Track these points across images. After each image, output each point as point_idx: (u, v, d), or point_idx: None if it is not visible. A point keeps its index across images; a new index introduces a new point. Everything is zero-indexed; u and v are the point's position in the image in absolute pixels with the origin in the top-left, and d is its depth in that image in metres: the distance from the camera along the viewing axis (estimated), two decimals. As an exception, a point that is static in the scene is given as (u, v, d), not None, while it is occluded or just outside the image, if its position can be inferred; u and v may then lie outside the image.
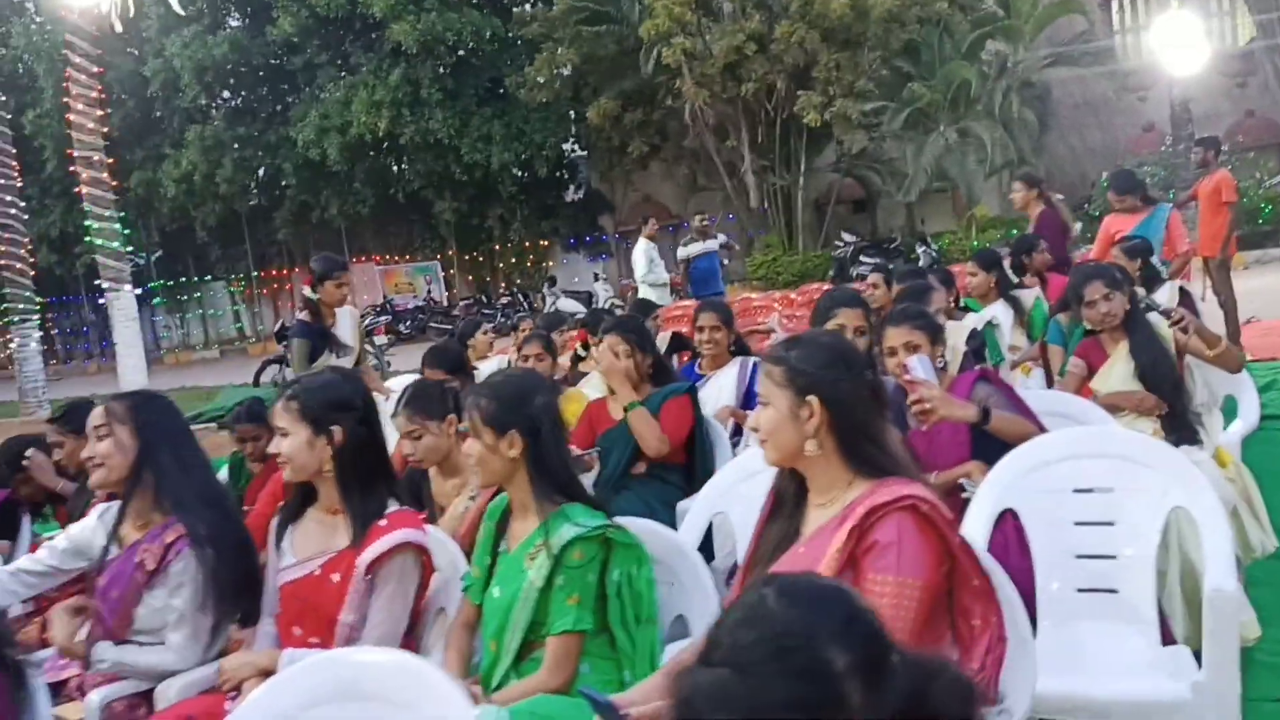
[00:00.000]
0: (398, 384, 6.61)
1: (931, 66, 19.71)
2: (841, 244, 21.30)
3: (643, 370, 3.97)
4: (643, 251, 12.20)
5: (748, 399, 4.51)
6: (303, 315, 6.17)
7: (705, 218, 12.52)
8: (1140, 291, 4.53)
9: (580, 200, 26.94)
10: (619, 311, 11.48)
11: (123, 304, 11.38)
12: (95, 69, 11.11)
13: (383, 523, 2.54)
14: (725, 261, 12.96)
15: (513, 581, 2.39)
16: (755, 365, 4.69)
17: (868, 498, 2.00)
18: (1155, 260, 6.18)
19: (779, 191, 22.26)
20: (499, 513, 2.53)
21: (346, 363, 6.09)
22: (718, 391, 4.66)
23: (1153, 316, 4.21)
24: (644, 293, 12.16)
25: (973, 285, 6.18)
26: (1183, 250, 6.89)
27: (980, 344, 4.92)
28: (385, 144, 23.29)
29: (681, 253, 12.89)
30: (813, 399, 2.05)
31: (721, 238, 12.82)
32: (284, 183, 25.50)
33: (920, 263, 19.41)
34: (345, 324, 6.33)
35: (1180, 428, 3.83)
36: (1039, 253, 6.36)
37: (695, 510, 3.30)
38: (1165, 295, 5.65)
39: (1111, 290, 4.08)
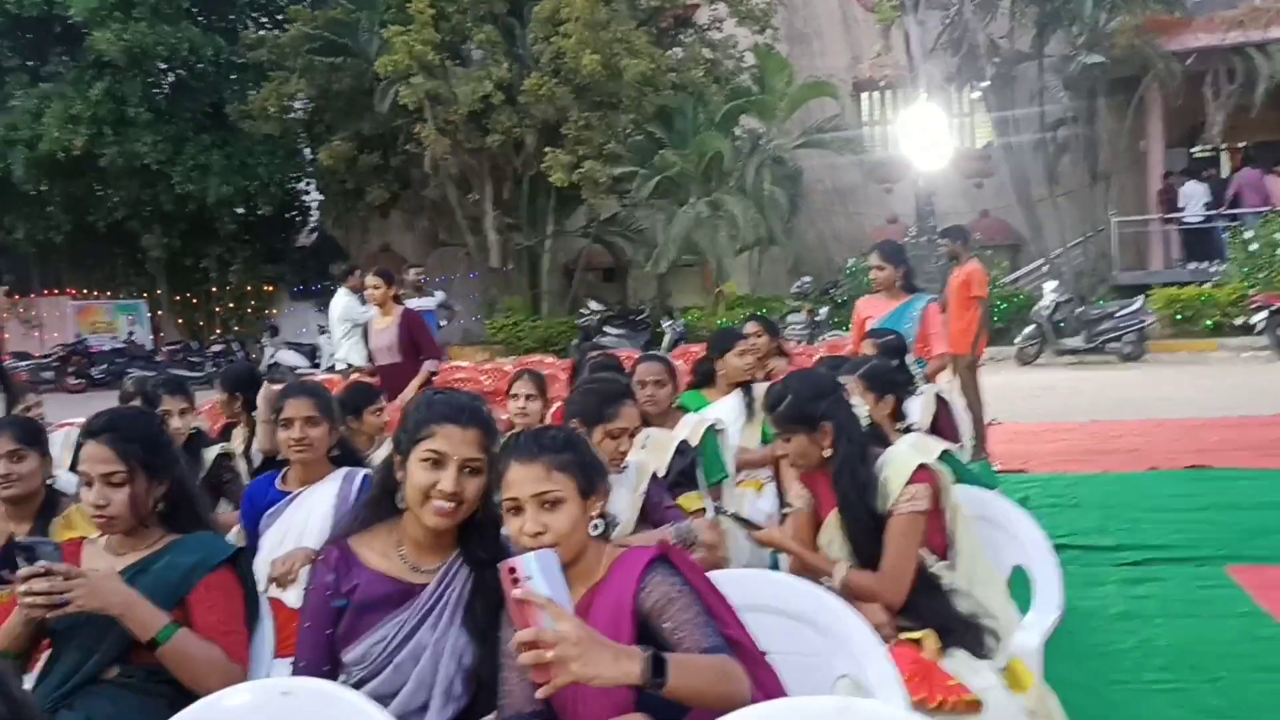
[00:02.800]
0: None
1: (685, 136, 19.07)
2: (587, 312, 20.22)
3: (142, 505, 2.38)
4: (343, 306, 10.53)
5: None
6: None
7: (420, 272, 11.01)
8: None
9: (311, 245, 24.75)
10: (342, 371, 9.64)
11: None
12: None
13: None
14: (442, 323, 11.50)
15: None
16: (366, 480, 3.20)
17: None
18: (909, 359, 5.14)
19: (524, 252, 21.06)
20: None
21: None
22: (305, 518, 3.13)
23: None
24: (342, 353, 10.53)
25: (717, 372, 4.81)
26: (940, 350, 5.89)
27: (690, 463, 3.61)
28: (84, 165, 20.47)
29: (401, 308, 11.35)
30: None
31: (439, 295, 11.36)
32: (-38, 199, 22.08)
33: (666, 338, 18.56)
34: None
35: (948, 626, 2.60)
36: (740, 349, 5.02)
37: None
38: (920, 403, 4.57)
39: (789, 430, 2.88)
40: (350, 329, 10.43)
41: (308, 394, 3.24)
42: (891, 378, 3.77)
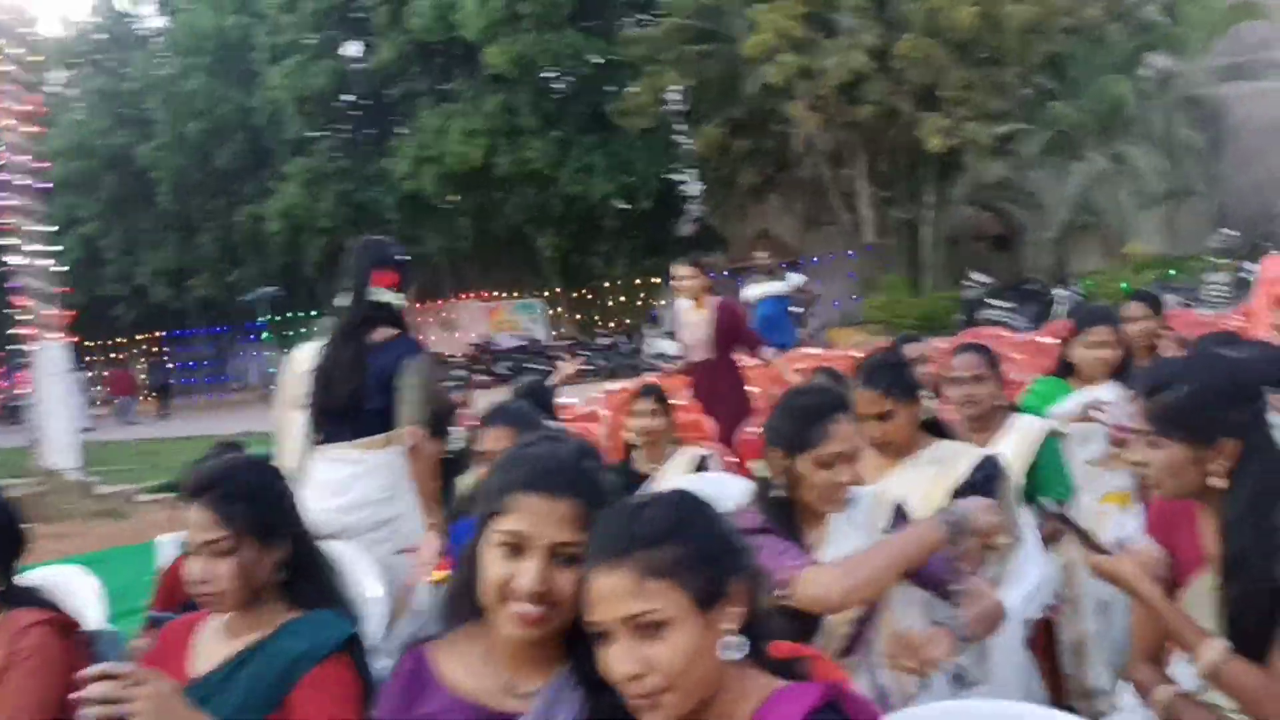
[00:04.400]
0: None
1: (1078, 83, 17.18)
2: (971, 285, 18.81)
3: (254, 576, 1.95)
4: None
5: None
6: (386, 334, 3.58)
7: (768, 254, 10.49)
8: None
9: (692, 235, 25.05)
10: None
11: (50, 356, 9.77)
12: (30, 76, 9.68)
13: None
14: (796, 309, 10.89)
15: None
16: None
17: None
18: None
19: (903, 226, 19.97)
20: None
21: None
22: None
23: None
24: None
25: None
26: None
27: (987, 479, 2.71)
28: (483, 176, 21.93)
29: (750, 293, 10.90)
30: None
31: (795, 279, 10.80)
32: (385, 217, 24.46)
33: (1059, 309, 16.77)
34: None
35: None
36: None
37: None
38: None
39: (1165, 433, 1.99)
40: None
41: (509, 423, 2.75)
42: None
